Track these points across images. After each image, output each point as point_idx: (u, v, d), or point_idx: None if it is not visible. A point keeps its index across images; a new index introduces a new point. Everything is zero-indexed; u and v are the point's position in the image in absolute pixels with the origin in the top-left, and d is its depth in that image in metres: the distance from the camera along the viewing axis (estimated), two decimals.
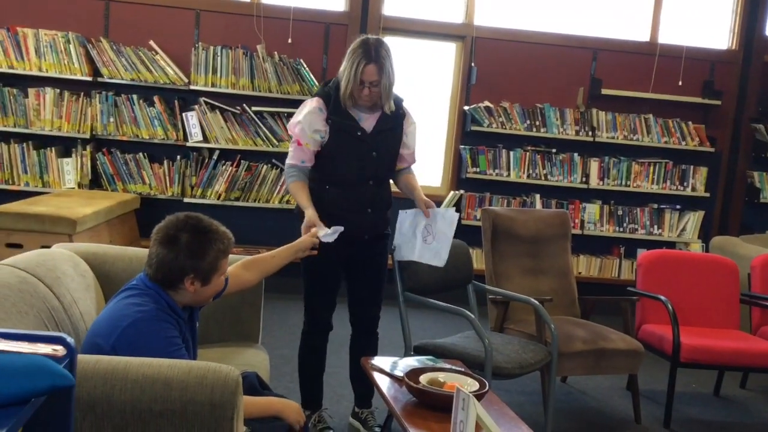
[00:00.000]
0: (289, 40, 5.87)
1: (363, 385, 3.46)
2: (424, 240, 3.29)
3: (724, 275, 4.41)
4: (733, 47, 6.39)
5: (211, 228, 2.32)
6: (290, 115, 5.80)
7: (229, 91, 5.68)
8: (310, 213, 3.06)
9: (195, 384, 1.88)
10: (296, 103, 5.80)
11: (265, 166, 5.81)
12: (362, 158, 3.18)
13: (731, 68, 6.35)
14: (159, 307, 2.26)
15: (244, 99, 5.75)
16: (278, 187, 5.82)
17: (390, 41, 6.05)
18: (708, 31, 6.40)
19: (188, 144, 5.66)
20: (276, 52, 5.79)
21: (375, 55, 3.07)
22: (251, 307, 3.12)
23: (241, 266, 2.74)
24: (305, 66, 5.75)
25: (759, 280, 4.50)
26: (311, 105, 3.19)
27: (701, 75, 6.31)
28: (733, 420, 4.16)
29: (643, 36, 6.30)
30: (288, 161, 3.22)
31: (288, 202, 5.82)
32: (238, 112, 5.75)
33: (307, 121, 3.16)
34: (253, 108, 5.75)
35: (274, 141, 5.76)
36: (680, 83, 6.24)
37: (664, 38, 6.28)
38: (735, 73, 6.35)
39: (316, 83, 5.76)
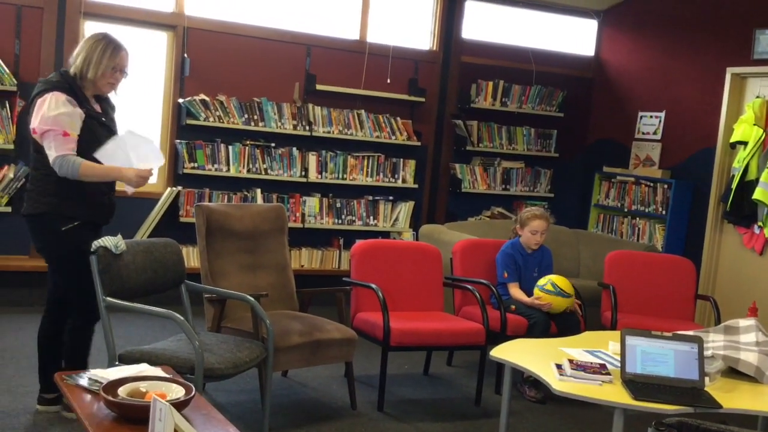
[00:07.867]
0: None
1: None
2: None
3: (429, 261, 4.71)
4: (434, 48, 6.86)
5: None
6: None
7: None
8: (132, 172, 3.30)
9: None
10: None
11: None
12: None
13: (433, 68, 6.82)
14: None
15: None
16: None
17: (93, 27, 5.70)
18: (412, 32, 6.81)
19: None
20: None
21: (123, 44, 3.41)
22: None
23: None
24: None
25: (459, 264, 4.87)
26: (60, 97, 3.24)
27: (407, 73, 6.70)
28: (441, 396, 4.46)
29: (354, 35, 6.53)
30: (58, 153, 3.22)
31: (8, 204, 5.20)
32: None
33: (69, 110, 3.25)
34: None
35: None
36: (389, 81, 6.57)
37: (372, 38, 6.56)
38: (436, 73, 6.83)
39: (7, 71, 5.17)
